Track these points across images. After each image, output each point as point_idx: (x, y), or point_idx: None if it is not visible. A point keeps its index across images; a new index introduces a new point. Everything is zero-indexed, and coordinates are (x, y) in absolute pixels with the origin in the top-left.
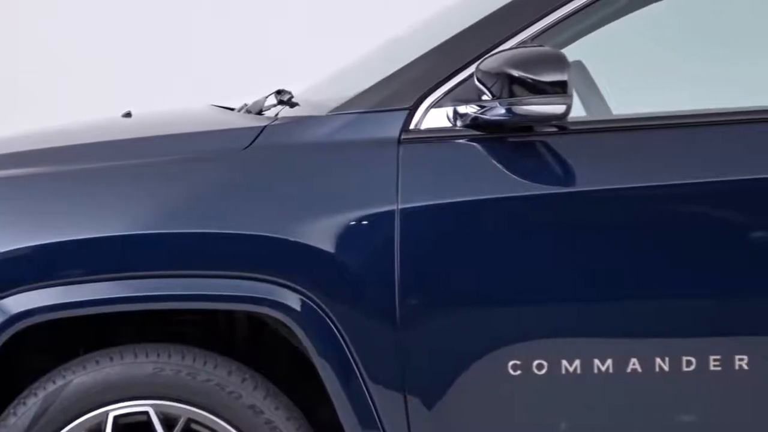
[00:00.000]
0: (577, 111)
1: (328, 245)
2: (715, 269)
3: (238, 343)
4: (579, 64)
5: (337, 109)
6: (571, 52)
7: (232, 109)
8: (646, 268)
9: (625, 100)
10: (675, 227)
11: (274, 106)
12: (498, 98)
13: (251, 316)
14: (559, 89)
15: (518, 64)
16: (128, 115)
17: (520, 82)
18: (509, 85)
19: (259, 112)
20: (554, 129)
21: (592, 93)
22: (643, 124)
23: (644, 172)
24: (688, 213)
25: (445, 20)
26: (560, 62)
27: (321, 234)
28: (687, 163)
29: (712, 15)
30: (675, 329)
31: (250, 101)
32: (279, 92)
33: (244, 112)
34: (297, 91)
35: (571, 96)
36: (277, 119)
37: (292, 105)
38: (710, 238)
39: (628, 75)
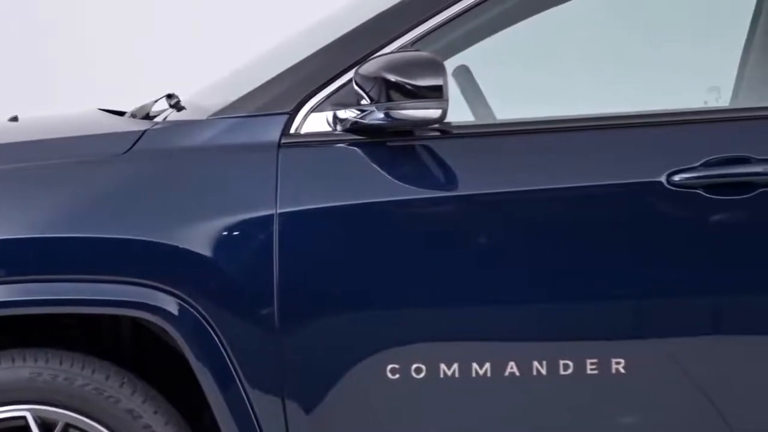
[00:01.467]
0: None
1: (206, 250)
2: (590, 273)
3: (123, 347)
4: (464, 69)
5: (218, 113)
6: (457, 57)
7: (122, 113)
8: (524, 271)
9: (512, 104)
10: (553, 230)
11: (165, 109)
12: (376, 103)
13: (137, 321)
14: (435, 93)
15: (395, 68)
16: (15, 119)
17: (397, 86)
18: (386, 90)
19: (147, 116)
20: (436, 133)
21: (476, 97)
22: (526, 128)
23: (525, 177)
24: (567, 217)
25: (330, 24)
26: (436, 67)
27: (200, 238)
28: (568, 168)
29: (597, 20)
30: (552, 333)
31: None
32: (169, 96)
33: (130, 116)
34: (190, 94)
35: (446, 100)
36: (158, 123)
37: (179, 109)
38: (587, 242)
39: (515, 79)
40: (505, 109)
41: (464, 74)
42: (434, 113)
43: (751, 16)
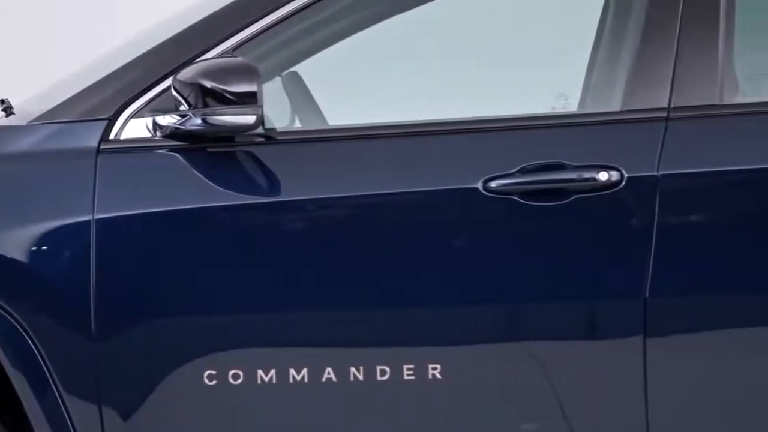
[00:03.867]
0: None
1: (23, 256)
2: (407, 279)
3: None
4: (293, 75)
5: (38, 118)
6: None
7: None
8: (341, 277)
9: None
10: (373, 237)
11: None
12: (193, 109)
13: None
14: (250, 99)
15: (210, 74)
16: None
17: (212, 92)
18: (203, 96)
19: None
20: (260, 139)
21: (306, 103)
22: (349, 134)
23: (347, 183)
24: (386, 223)
25: (155, 30)
26: (250, 73)
27: (16, 244)
28: (388, 174)
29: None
30: (370, 339)
31: None
32: (1, 101)
33: None
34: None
35: (261, 106)
36: None
37: (9, 114)
38: (406, 248)
39: (349, 85)
40: (340, 115)
41: (293, 80)
42: (249, 119)
43: (597, 23)
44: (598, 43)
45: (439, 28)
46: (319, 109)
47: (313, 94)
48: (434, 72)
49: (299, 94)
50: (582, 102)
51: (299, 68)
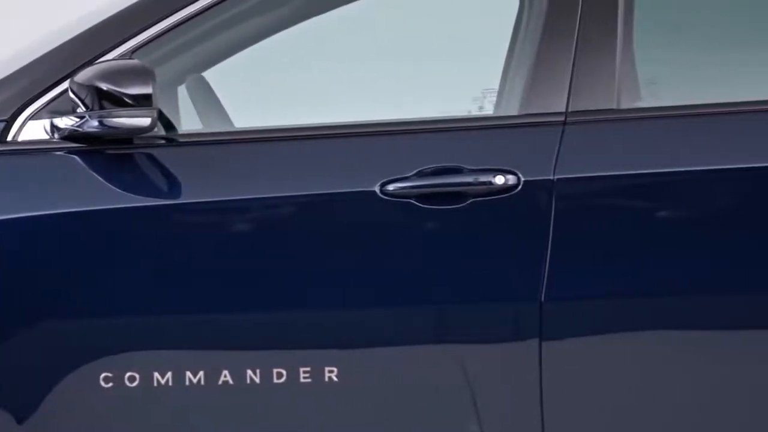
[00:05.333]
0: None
1: None
2: (304, 281)
3: None
4: (198, 78)
5: None
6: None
7: None
8: (235, 279)
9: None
10: (269, 239)
11: None
12: (90, 111)
13: None
14: (145, 102)
15: (106, 77)
16: None
17: (108, 95)
18: (99, 98)
19: None
20: (161, 141)
21: (211, 106)
22: (251, 137)
23: (246, 185)
24: (284, 225)
25: (56, 31)
26: (145, 75)
27: None
28: (288, 177)
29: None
30: (266, 341)
31: None
32: None
33: None
34: None
35: (156, 108)
36: None
37: None
38: (303, 251)
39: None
40: (248, 118)
41: (198, 83)
42: (144, 121)
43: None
44: (512, 46)
45: (352, 29)
46: (224, 112)
47: (223, 96)
48: (348, 74)
49: (204, 96)
50: (497, 104)
51: (205, 71)
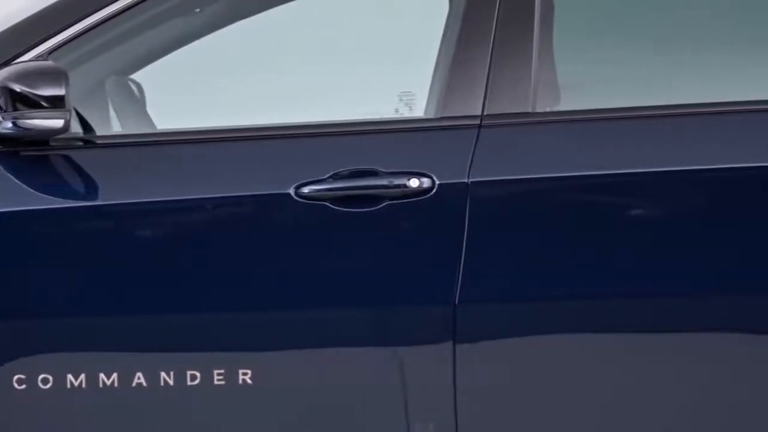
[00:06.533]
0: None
1: None
2: (217, 284)
3: None
4: (118, 80)
5: None
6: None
7: None
8: (155, 282)
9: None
10: (181, 241)
11: None
12: (3, 112)
13: None
14: (58, 103)
15: (19, 78)
16: None
17: (22, 96)
18: (12, 100)
19: None
20: (78, 143)
21: (131, 108)
22: (165, 139)
23: (161, 187)
24: (198, 228)
25: None
26: (59, 76)
27: None
28: (202, 179)
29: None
30: (180, 343)
31: None
32: None
33: None
34: None
35: (69, 110)
36: None
37: None
38: (216, 253)
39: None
40: (171, 120)
41: (117, 85)
42: (57, 123)
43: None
44: (440, 49)
45: (270, 33)
46: (146, 114)
47: (151, 98)
48: (265, 76)
49: (123, 98)
50: (428, 106)
51: (132, 73)
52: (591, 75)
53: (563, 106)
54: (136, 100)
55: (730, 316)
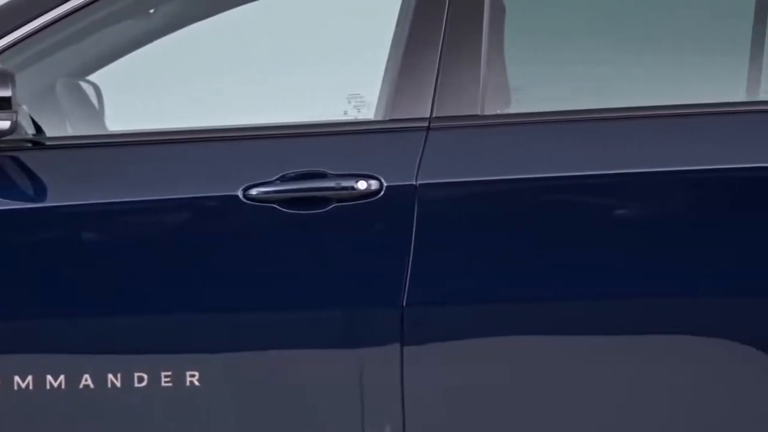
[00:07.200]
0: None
1: None
2: (163, 285)
3: None
4: (69, 82)
5: None
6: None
7: None
8: (101, 283)
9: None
10: (137, 243)
11: None
12: None
13: None
14: (4, 105)
15: None
16: None
17: None
18: None
19: None
20: (28, 144)
21: (83, 110)
22: (122, 141)
23: (112, 188)
24: (146, 229)
25: None
26: (4, 78)
27: None
28: (150, 180)
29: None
30: (127, 345)
31: None
32: None
33: None
34: None
35: (15, 112)
36: None
37: None
38: (162, 255)
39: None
40: (125, 122)
41: (69, 87)
42: (3, 124)
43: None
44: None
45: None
46: (98, 115)
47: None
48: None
49: (75, 100)
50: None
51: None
52: (542, 77)
53: (513, 108)
54: (87, 102)
55: (678, 318)
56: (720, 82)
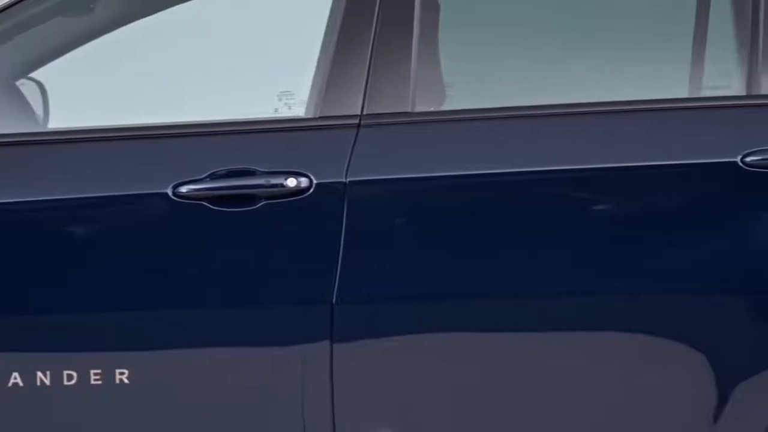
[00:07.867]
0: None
1: None
2: (95, 284)
3: None
4: (5, 81)
5: None
6: None
7: None
8: (30, 281)
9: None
10: (67, 241)
11: None
12: None
13: None
14: None
15: None
16: None
17: None
18: None
19: None
20: None
21: (18, 107)
22: (55, 138)
23: (48, 186)
24: (84, 227)
25: None
26: None
27: None
28: (89, 178)
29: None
30: (57, 343)
31: None
32: None
33: None
34: None
35: None
36: None
37: None
38: (99, 254)
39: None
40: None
41: (3, 85)
42: None
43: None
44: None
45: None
46: (33, 113)
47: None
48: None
49: (9, 97)
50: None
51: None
52: (476, 74)
53: (447, 105)
54: (22, 100)
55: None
56: (661, 78)
